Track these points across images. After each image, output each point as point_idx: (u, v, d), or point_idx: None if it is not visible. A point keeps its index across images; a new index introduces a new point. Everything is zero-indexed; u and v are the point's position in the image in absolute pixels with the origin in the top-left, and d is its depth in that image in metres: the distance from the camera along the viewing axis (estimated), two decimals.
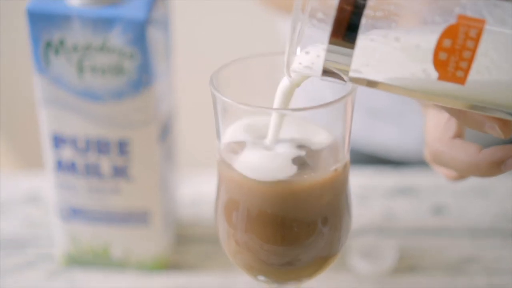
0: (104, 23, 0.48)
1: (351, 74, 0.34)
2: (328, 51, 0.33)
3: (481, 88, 0.32)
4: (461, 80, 0.32)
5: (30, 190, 0.66)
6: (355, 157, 0.77)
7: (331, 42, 0.32)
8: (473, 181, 0.67)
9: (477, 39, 0.31)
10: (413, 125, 0.74)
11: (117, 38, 0.48)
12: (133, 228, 0.55)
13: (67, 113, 0.51)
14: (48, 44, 0.49)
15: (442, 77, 0.32)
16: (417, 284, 0.56)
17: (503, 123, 0.35)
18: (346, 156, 0.42)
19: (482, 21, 0.31)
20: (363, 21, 0.32)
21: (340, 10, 0.32)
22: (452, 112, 0.37)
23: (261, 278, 0.44)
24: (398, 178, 0.68)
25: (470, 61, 0.32)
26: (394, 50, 0.32)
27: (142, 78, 0.50)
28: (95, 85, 0.50)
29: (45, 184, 0.57)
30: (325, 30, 0.32)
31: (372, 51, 0.32)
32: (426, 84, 0.33)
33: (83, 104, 0.51)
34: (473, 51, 0.31)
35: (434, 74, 0.32)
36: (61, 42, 0.49)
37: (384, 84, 0.34)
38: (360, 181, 0.68)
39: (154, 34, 0.50)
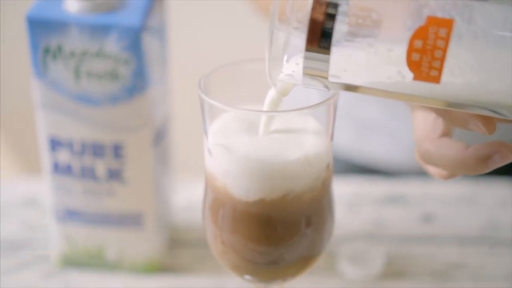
0: (100, 30, 0.50)
1: (330, 79, 0.35)
2: (306, 58, 0.34)
3: (456, 86, 0.34)
4: (436, 79, 0.33)
5: (28, 193, 0.68)
6: (346, 167, 0.79)
7: (307, 49, 0.34)
8: (461, 190, 0.69)
9: (447, 39, 0.32)
10: (403, 136, 0.75)
11: (113, 45, 0.50)
12: (127, 230, 0.57)
13: (63, 117, 0.53)
14: (47, 50, 0.51)
15: (417, 77, 0.33)
16: None
17: (486, 120, 0.36)
18: (328, 158, 0.43)
19: (451, 21, 0.32)
20: (337, 27, 0.33)
21: (313, 18, 0.33)
22: (437, 111, 0.38)
23: (248, 277, 0.45)
24: (388, 187, 0.69)
25: (442, 60, 0.33)
26: (369, 54, 0.34)
27: (136, 84, 0.52)
28: (91, 89, 0.52)
29: (43, 188, 0.59)
30: (301, 38, 0.34)
31: (348, 56, 0.34)
32: (403, 86, 0.34)
33: (80, 108, 0.52)
34: (444, 50, 0.33)
35: (409, 75, 0.34)
36: (59, 48, 0.51)
37: (363, 88, 0.36)
38: (350, 189, 0.69)
39: (149, 41, 0.52)
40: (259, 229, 0.42)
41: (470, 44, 0.33)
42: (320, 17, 0.33)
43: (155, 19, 0.53)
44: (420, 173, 0.75)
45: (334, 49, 0.34)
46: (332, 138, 0.42)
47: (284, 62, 0.36)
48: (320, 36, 0.33)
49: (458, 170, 0.39)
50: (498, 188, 0.69)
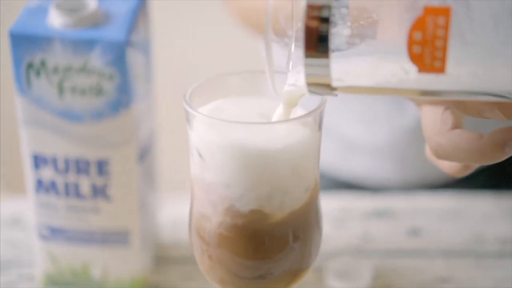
0: (84, 45, 0.50)
1: (334, 83, 0.35)
2: (306, 65, 0.34)
3: (462, 74, 0.33)
4: (441, 69, 0.32)
5: (13, 212, 0.67)
6: (332, 184, 0.79)
7: (306, 55, 0.33)
8: (447, 204, 0.69)
9: (446, 27, 0.32)
10: (387, 153, 0.75)
11: (97, 60, 0.50)
12: (113, 248, 0.56)
13: (47, 133, 0.52)
14: (30, 65, 0.50)
15: (422, 69, 0.33)
16: None
17: (502, 105, 0.35)
18: (316, 173, 0.43)
19: (448, 9, 0.32)
20: (333, 30, 0.33)
21: (308, 23, 0.33)
22: (450, 103, 0.37)
23: None
24: (374, 202, 0.69)
25: (444, 49, 0.32)
26: (369, 54, 0.33)
27: (121, 99, 0.51)
28: (75, 105, 0.51)
29: (27, 207, 0.58)
30: (299, 46, 0.33)
31: (348, 58, 0.33)
32: (409, 81, 0.33)
33: (63, 124, 0.52)
34: (445, 39, 0.32)
35: (413, 69, 0.33)
36: (42, 64, 0.50)
37: (370, 88, 0.35)
38: (337, 204, 0.69)
39: (133, 56, 0.51)
40: (246, 243, 0.42)
41: (471, 30, 0.32)
42: (314, 21, 0.33)
43: (139, 33, 0.53)
44: (406, 189, 0.75)
45: (332, 53, 0.33)
46: (319, 148, 0.42)
47: (287, 73, 0.35)
48: (317, 41, 0.33)
49: (474, 160, 0.38)
50: (483, 202, 0.69)
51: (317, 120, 0.41)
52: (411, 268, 0.61)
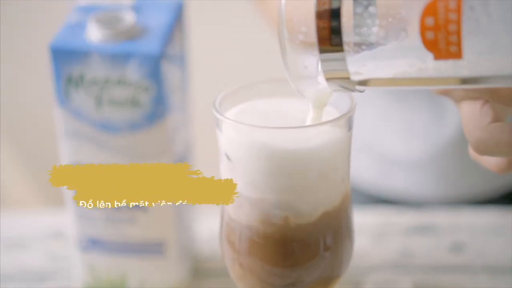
0: (121, 58, 0.51)
1: (353, 77, 0.34)
2: (322, 60, 0.34)
3: (481, 58, 0.32)
4: (457, 55, 0.32)
5: (53, 225, 0.68)
6: (373, 202, 0.78)
7: (321, 50, 0.33)
8: (490, 219, 0.67)
9: (458, 10, 0.31)
10: (430, 168, 0.74)
11: (133, 72, 0.51)
12: (149, 258, 0.57)
13: (85, 144, 0.54)
14: (69, 79, 0.52)
15: (438, 56, 0.32)
16: None
17: None
18: (346, 178, 0.43)
19: None
20: (344, 21, 0.33)
21: (319, 18, 0.33)
22: (483, 94, 0.36)
23: None
24: (415, 217, 0.68)
25: (458, 33, 0.31)
26: (383, 44, 0.33)
27: (156, 111, 0.52)
28: (112, 117, 0.52)
29: (67, 219, 0.59)
30: (313, 43, 0.33)
31: (363, 50, 0.33)
32: (427, 69, 0.33)
33: (101, 135, 0.53)
34: (458, 23, 0.31)
35: (429, 56, 0.32)
36: (81, 77, 0.52)
37: (392, 80, 0.34)
38: (377, 219, 0.68)
39: (169, 68, 0.52)
40: (276, 250, 0.42)
41: (485, 12, 0.31)
42: (325, 15, 0.33)
43: (175, 46, 0.54)
44: (448, 203, 0.74)
45: (346, 45, 0.33)
46: (349, 149, 0.42)
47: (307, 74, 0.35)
48: (329, 35, 0.33)
49: None
50: None
51: (348, 121, 0.40)
52: (453, 284, 0.59)
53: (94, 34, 0.52)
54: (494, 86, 0.34)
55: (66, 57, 0.51)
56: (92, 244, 0.57)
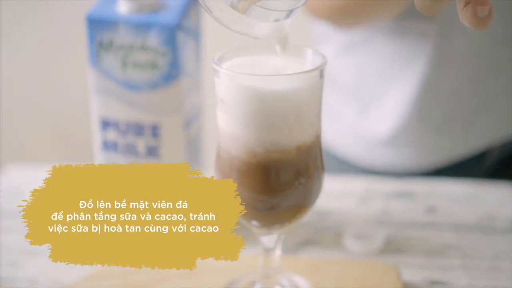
0: (144, 27, 0.61)
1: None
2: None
3: None
4: None
5: None
6: (360, 172, 0.88)
7: None
8: (465, 189, 0.76)
9: None
10: (411, 147, 0.84)
11: (153, 40, 0.62)
12: None
13: (112, 100, 0.64)
14: (100, 44, 0.63)
15: None
16: (401, 263, 0.65)
17: None
18: (318, 117, 0.52)
19: None
20: None
21: None
22: None
23: (254, 223, 0.54)
24: (396, 185, 0.77)
25: None
26: None
27: (171, 73, 0.63)
28: (135, 77, 0.63)
29: None
30: None
31: None
32: None
33: (125, 93, 0.64)
34: None
35: None
36: (110, 42, 0.63)
37: None
38: (363, 185, 0.77)
39: (183, 38, 0.63)
40: (258, 179, 0.52)
41: None
42: None
43: (190, 19, 0.65)
44: (427, 174, 0.83)
45: None
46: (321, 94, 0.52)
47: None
48: None
49: None
50: (498, 189, 0.76)
51: (319, 72, 0.51)
52: (422, 237, 0.68)
53: (122, 7, 0.63)
54: None
55: (99, 26, 0.62)
56: None
